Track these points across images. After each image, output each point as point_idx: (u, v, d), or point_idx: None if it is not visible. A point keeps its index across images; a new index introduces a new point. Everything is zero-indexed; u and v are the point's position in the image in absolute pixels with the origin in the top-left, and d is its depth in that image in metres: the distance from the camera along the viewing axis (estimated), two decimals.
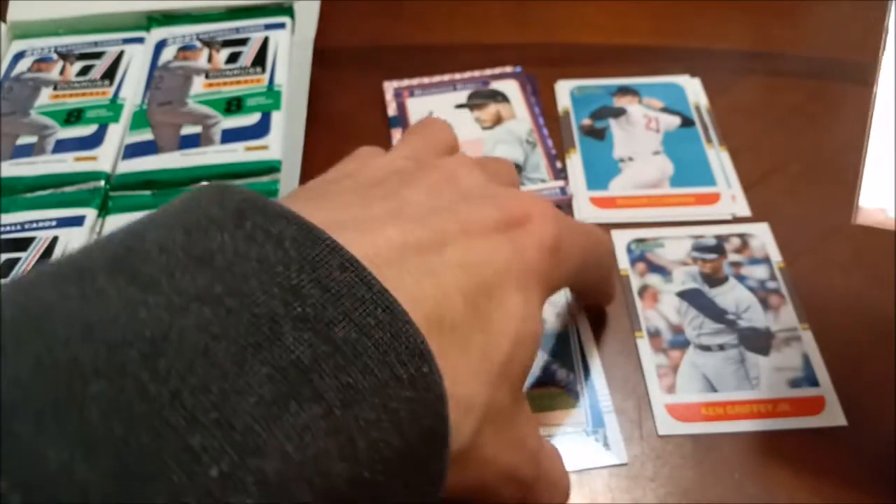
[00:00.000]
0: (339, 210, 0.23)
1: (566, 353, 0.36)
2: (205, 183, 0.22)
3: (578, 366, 0.36)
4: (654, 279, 0.39)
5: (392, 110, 0.48)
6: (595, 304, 0.38)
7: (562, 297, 0.38)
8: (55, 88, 0.46)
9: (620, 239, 0.41)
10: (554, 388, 0.35)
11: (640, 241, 0.41)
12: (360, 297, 0.18)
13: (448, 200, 0.25)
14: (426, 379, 0.19)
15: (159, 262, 0.18)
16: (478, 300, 0.22)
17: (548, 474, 0.27)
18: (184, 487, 0.15)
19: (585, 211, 0.43)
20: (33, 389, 0.15)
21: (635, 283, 0.39)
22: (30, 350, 0.16)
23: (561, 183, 0.43)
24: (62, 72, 0.47)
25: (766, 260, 0.40)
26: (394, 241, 0.21)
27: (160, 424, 0.15)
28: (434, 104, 0.48)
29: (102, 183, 0.41)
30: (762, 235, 0.41)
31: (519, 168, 0.44)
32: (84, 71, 0.47)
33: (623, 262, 0.40)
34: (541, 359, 0.35)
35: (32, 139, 0.43)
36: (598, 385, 0.35)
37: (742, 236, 0.41)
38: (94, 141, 0.43)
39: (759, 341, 0.37)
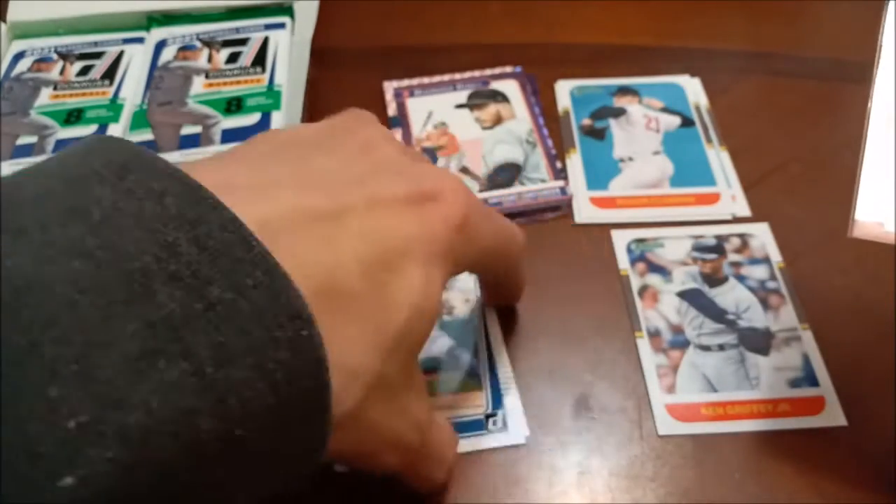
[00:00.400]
0: (241, 172, 0.22)
1: (470, 338, 0.37)
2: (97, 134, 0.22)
3: (482, 349, 0.36)
4: (654, 279, 0.39)
5: (392, 110, 0.48)
6: (502, 301, 0.38)
7: (470, 281, 0.39)
8: (55, 88, 0.46)
9: (620, 239, 0.41)
10: (457, 371, 0.35)
11: (640, 241, 0.41)
12: (238, 257, 0.18)
13: (359, 171, 0.24)
14: (305, 342, 0.19)
15: (33, 213, 0.18)
16: (376, 271, 0.22)
17: (433, 447, 0.27)
18: (39, 436, 0.15)
19: (585, 211, 0.43)
20: None
21: (635, 283, 0.39)
22: None
23: (561, 183, 0.43)
24: (62, 72, 0.47)
25: (766, 260, 0.40)
26: (289, 206, 0.21)
27: (17, 374, 0.15)
28: (434, 104, 0.48)
29: None
30: (762, 235, 0.41)
31: (519, 168, 0.44)
32: (84, 71, 0.47)
33: (623, 262, 0.40)
34: (446, 343, 0.37)
35: (32, 139, 0.43)
36: (502, 369, 0.36)
37: (742, 236, 0.41)
38: None
39: (759, 341, 0.37)
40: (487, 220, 0.28)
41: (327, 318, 0.20)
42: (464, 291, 0.39)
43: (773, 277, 0.39)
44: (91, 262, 0.17)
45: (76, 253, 0.17)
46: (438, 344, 0.37)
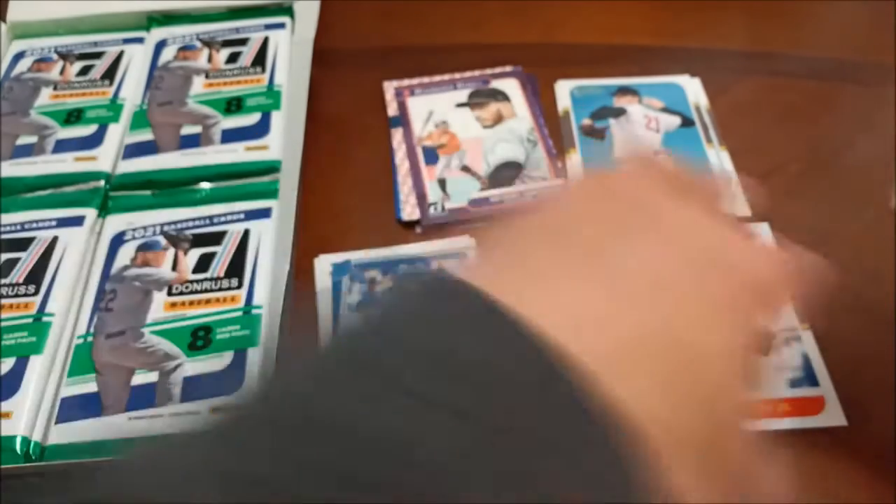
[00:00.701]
0: (568, 300, 0.21)
1: None
2: (441, 272, 0.21)
3: None
4: None
5: (392, 110, 0.48)
6: None
7: None
8: (55, 88, 0.46)
9: None
10: None
11: None
12: (605, 442, 0.18)
13: (671, 271, 0.22)
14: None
15: (406, 366, 0.18)
16: (708, 405, 0.21)
17: None
18: None
19: None
20: None
21: None
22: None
23: (562, 181, 0.43)
24: (62, 72, 0.47)
25: None
26: (628, 338, 0.20)
27: None
28: (435, 103, 0.48)
29: (102, 183, 0.41)
30: (762, 236, 0.41)
31: (520, 166, 0.44)
32: (84, 71, 0.47)
33: None
34: None
35: (32, 139, 0.43)
36: None
37: None
38: (94, 141, 0.43)
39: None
40: (805, 288, 0.26)
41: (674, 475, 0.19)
42: None
43: None
44: (469, 424, 0.17)
45: (452, 411, 0.17)
46: None
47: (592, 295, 0.21)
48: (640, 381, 0.20)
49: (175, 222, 0.38)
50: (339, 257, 0.41)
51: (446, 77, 0.50)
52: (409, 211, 0.43)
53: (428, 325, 0.19)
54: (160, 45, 0.48)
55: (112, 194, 0.40)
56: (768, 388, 0.25)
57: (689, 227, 0.23)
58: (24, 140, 0.43)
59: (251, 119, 0.43)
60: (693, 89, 0.49)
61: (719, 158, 0.45)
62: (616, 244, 0.22)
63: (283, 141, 0.42)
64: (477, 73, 0.50)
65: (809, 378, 0.35)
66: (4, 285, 0.36)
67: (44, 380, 0.33)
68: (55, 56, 0.48)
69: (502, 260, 0.23)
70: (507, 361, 0.18)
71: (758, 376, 0.23)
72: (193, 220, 0.38)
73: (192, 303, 0.35)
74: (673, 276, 0.22)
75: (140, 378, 0.33)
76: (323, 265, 0.41)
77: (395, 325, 0.19)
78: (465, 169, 0.45)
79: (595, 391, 0.18)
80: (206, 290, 0.35)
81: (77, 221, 0.39)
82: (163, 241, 0.38)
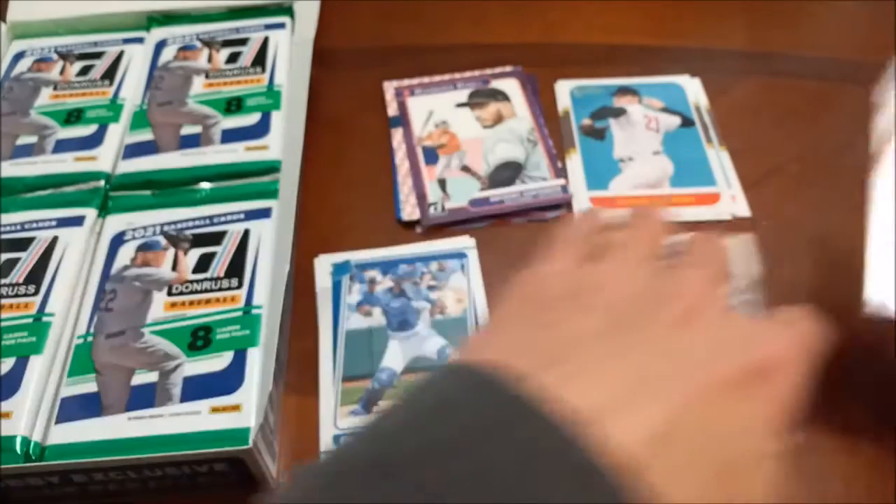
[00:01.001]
0: (595, 383, 0.21)
1: (463, 337, 0.37)
2: (466, 366, 0.21)
3: None
4: None
5: (392, 110, 0.48)
6: None
7: (463, 281, 0.39)
8: (55, 88, 0.46)
9: None
10: None
11: None
12: None
13: (689, 350, 0.22)
14: None
15: (436, 474, 0.18)
16: (726, 488, 0.21)
17: None
18: None
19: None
20: None
21: None
22: None
23: (562, 181, 0.43)
24: (62, 72, 0.47)
25: None
26: (651, 431, 0.20)
27: None
28: (434, 103, 0.48)
29: (102, 183, 0.41)
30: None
31: (520, 166, 0.44)
32: (84, 71, 0.47)
33: None
34: (438, 342, 0.37)
35: (32, 139, 0.43)
36: None
37: None
38: (94, 141, 0.43)
39: None
40: (812, 359, 0.26)
41: None
42: (456, 291, 0.39)
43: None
44: None
45: None
46: (430, 343, 0.37)
47: (625, 374, 0.21)
48: (674, 467, 0.20)
49: (175, 222, 0.38)
50: (339, 257, 0.41)
51: (446, 77, 0.50)
52: (409, 211, 0.43)
53: (461, 430, 0.19)
54: (160, 45, 0.48)
55: (112, 194, 0.40)
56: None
57: (697, 309, 0.24)
58: (24, 140, 0.43)
59: (251, 119, 0.43)
60: (693, 89, 0.49)
61: (719, 158, 0.45)
62: (647, 323, 0.23)
63: (283, 141, 0.42)
64: (477, 73, 0.50)
65: None
66: (4, 285, 0.36)
67: (44, 380, 0.33)
68: (55, 56, 0.48)
69: (525, 328, 0.23)
70: (547, 465, 0.18)
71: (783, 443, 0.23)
72: (193, 220, 0.38)
73: (192, 303, 0.35)
74: (697, 360, 0.22)
75: (140, 378, 0.33)
76: (323, 265, 0.41)
77: (429, 430, 0.19)
78: (465, 169, 0.45)
79: (635, 485, 0.18)
80: (206, 290, 0.35)
81: (77, 221, 0.38)
82: (163, 241, 0.38)
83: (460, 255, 0.41)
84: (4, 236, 0.38)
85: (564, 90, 0.49)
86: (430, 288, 0.39)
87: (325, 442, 0.35)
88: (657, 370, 0.22)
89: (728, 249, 0.27)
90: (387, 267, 0.40)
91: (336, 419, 0.35)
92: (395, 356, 0.37)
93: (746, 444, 0.22)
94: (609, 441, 0.19)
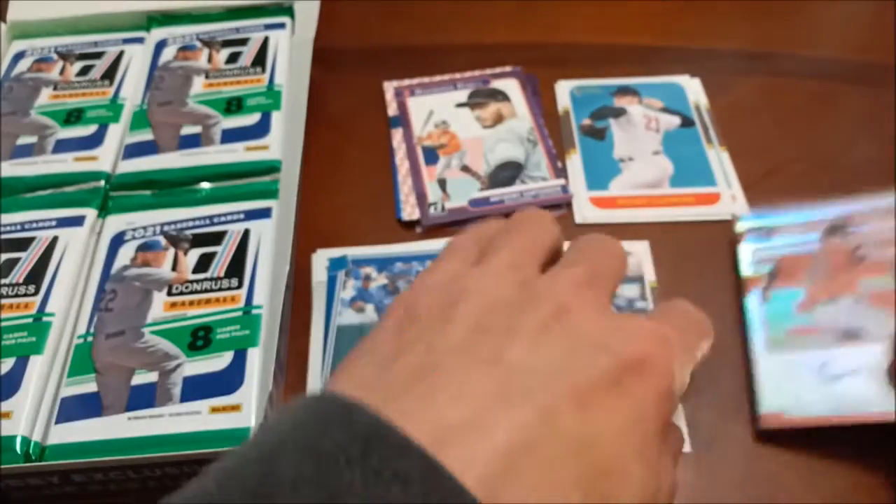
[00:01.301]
0: (449, 403, 0.21)
1: None
2: (330, 394, 0.21)
3: None
4: None
5: (392, 110, 0.48)
6: None
7: None
8: (55, 88, 0.46)
9: None
10: None
11: None
12: None
13: (555, 356, 0.22)
14: None
15: (294, 500, 0.18)
16: (596, 486, 0.21)
17: None
18: None
19: (585, 211, 0.43)
20: None
21: None
22: None
23: (562, 181, 0.43)
24: (62, 72, 0.47)
25: (639, 279, 0.39)
26: (506, 449, 0.20)
27: None
28: (435, 103, 0.48)
29: (102, 183, 0.41)
30: (640, 254, 0.40)
31: (520, 166, 0.44)
32: (84, 71, 0.47)
33: None
34: None
35: (32, 139, 0.43)
36: None
37: None
38: (94, 141, 0.42)
39: None
40: (691, 358, 0.26)
41: None
42: None
43: (642, 297, 0.39)
44: None
45: None
46: None
47: (478, 392, 0.21)
48: (536, 481, 0.20)
49: (175, 222, 0.38)
50: (335, 252, 0.41)
51: (446, 77, 0.50)
52: (409, 211, 0.43)
53: (315, 462, 0.18)
54: (160, 45, 0.48)
55: (112, 194, 0.40)
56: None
57: (566, 303, 0.23)
58: (24, 140, 0.43)
59: (251, 119, 0.43)
60: (693, 89, 0.49)
61: (719, 158, 0.45)
62: (509, 342, 0.22)
63: (283, 141, 0.42)
64: (477, 73, 0.50)
65: None
66: (4, 285, 0.36)
67: (44, 380, 0.33)
68: (55, 56, 0.48)
69: (382, 355, 0.23)
70: (389, 497, 0.18)
71: (664, 443, 0.23)
72: (193, 220, 0.38)
73: (192, 303, 0.35)
74: (562, 366, 0.22)
75: (140, 378, 0.33)
76: (320, 259, 0.41)
77: (283, 459, 0.19)
78: (465, 169, 0.45)
79: None
80: (206, 290, 0.35)
81: (77, 221, 0.38)
82: (163, 241, 0.38)
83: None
84: (4, 236, 0.38)
85: (564, 90, 0.49)
86: None
87: None
88: (517, 382, 0.21)
89: (616, 248, 0.27)
90: (383, 264, 0.40)
91: None
92: None
93: (620, 445, 0.21)
94: (456, 466, 0.18)
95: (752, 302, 0.37)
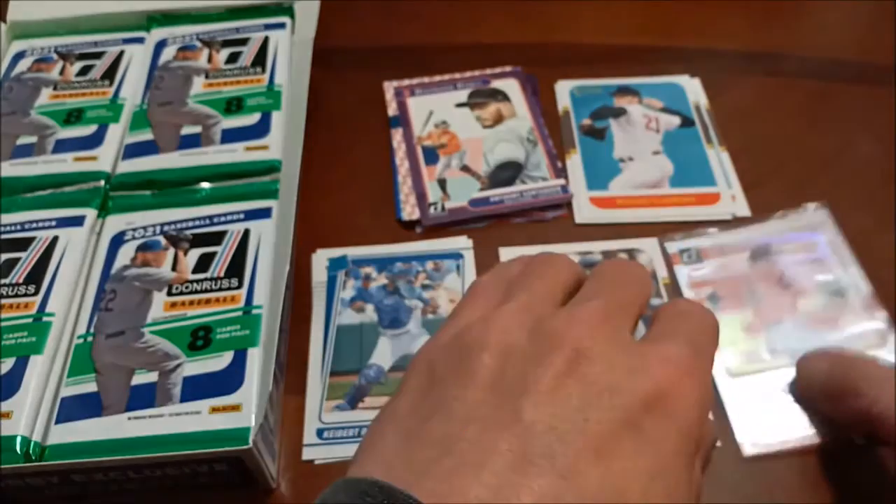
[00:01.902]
0: (470, 481, 0.20)
1: None
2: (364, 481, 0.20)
3: None
4: None
5: (392, 110, 0.48)
6: None
7: (458, 283, 0.38)
8: (55, 88, 0.46)
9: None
10: None
11: None
12: None
13: (573, 405, 0.22)
14: None
15: None
16: None
17: None
18: None
19: (585, 211, 0.43)
20: None
21: None
22: None
23: (562, 181, 0.43)
24: (62, 72, 0.47)
25: (652, 276, 0.39)
26: None
27: None
28: (435, 103, 0.48)
29: (102, 183, 0.41)
30: (650, 251, 0.41)
31: (520, 166, 0.44)
32: (84, 71, 0.47)
33: None
34: None
35: (32, 139, 0.43)
36: None
37: (630, 251, 0.40)
38: (94, 141, 0.42)
39: None
40: (710, 362, 0.25)
41: None
42: (450, 291, 0.39)
43: (657, 294, 0.39)
44: None
45: None
46: (420, 343, 0.37)
47: (504, 457, 0.20)
48: None
49: (175, 222, 0.38)
50: (335, 252, 0.41)
51: (446, 77, 0.50)
52: (409, 211, 0.43)
53: None
54: (160, 45, 0.48)
55: (112, 194, 0.40)
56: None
57: (582, 349, 0.23)
58: (24, 140, 0.43)
59: (251, 119, 0.43)
60: (693, 89, 0.49)
61: (719, 158, 0.45)
62: (527, 402, 0.22)
63: (283, 141, 0.42)
64: (477, 73, 0.50)
65: None
66: (4, 285, 0.36)
67: (44, 380, 0.33)
68: (55, 56, 0.48)
69: (404, 429, 0.22)
70: None
71: (691, 467, 0.23)
72: (193, 219, 0.38)
73: (192, 303, 0.35)
74: (568, 423, 0.21)
75: (140, 378, 0.33)
76: (320, 259, 0.41)
77: None
78: (465, 169, 0.45)
79: None
80: (206, 290, 0.35)
81: (77, 221, 0.38)
82: (163, 241, 0.38)
83: (456, 256, 0.41)
84: (4, 236, 0.38)
85: (564, 90, 0.49)
86: (424, 287, 0.39)
87: (309, 435, 0.35)
88: (537, 445, 0.21)
89: (637, 272, 0.26)
90: (382, 264, 0.40)
91: (321, 413, 0.35)
92: (383, 353, 0.37)
93: (646, 493, 0.21)
94: None
95: None
